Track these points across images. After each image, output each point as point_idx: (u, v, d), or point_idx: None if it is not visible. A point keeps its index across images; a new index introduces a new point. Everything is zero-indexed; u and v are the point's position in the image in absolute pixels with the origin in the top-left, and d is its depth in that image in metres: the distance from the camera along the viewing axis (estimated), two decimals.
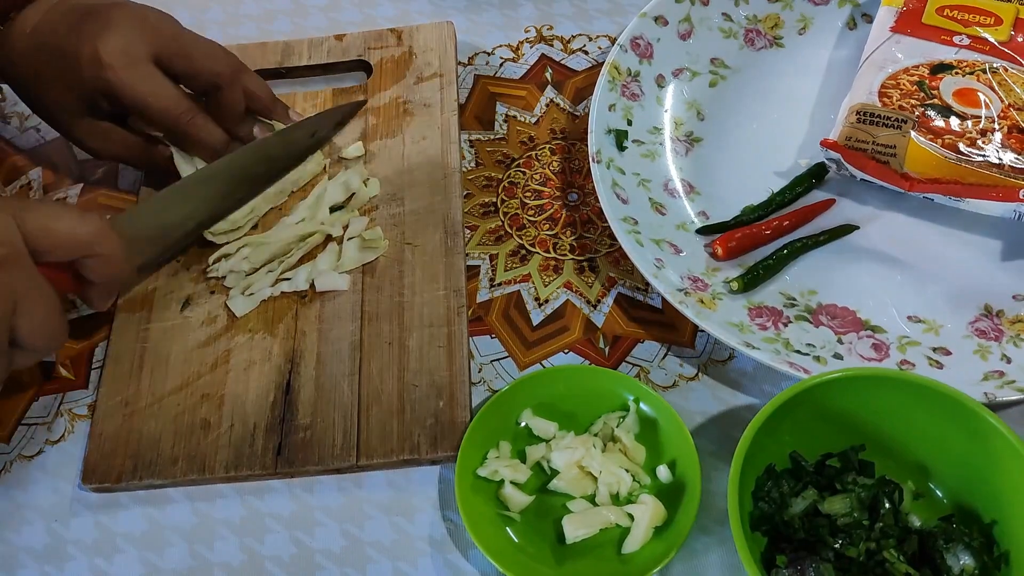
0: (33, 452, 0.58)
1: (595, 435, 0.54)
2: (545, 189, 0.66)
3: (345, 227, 0.63)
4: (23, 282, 0.47)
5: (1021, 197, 0.56)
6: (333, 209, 0.65)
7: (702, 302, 0.57)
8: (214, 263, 0.62)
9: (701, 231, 0.62)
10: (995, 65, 0.62)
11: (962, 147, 0.58)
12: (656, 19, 0.69)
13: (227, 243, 0.63)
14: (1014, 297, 0.58)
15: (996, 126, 0.59)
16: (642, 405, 0.54)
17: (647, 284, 0.60)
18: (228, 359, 0.59)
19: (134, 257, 0.58)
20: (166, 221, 0.60)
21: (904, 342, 0.56)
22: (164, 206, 0.60)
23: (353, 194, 0.65)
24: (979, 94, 0.61)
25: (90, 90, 0.59)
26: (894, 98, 0.61)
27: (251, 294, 0.61)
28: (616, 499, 0.52)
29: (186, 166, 0.63)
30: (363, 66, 0.73)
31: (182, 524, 0.55)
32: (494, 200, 0.66)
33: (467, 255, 0.63)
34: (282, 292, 0.61)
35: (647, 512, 0.50)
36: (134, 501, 0.56)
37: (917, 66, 0.63)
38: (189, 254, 0.64)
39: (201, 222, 0.62)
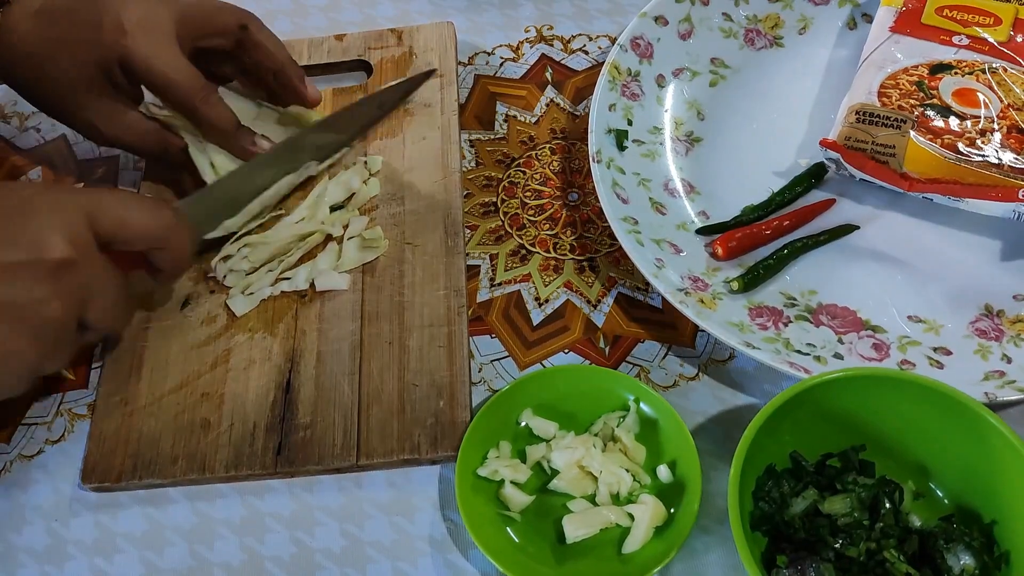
0: (33, 452, 0.58)
1: (595, 435, 0.54)
2: (545, 189, 0.66)
3: (345, 227, 0.63)
4: (93, 279, 0.49)
5: (1020, 197, 0.56)
6: (333, 209, 0.65)
7: (702, 302, 0.57)
8: (215, 265, 0.62)
9: (701, 231, 0.62)
10: (994, 65, 0.62)
11: (961, 147, 0.59)
12: (656, 19, 0.69)
13: (228, 242, 0.63)
14: (1014, 297, 0.58)
15: (995, 126, 0.59)
16: (642, 405, 0.54)
17: (647, 284, 0.60)
18: (228, 358, 0.59)
19: (200, 239, 0.59)
20: (235, 201, 0.61)
21: (904, 342, 0.56)
22: (230, 189, 0.61)
23: (353, 194, 0.65)
24: (978, 94, 0.61)
25: (108, 60, 0.57)
26: (893, 98, 0.61)
27: (251, 293, 0.61)
28: (616, 499, 0.52)
29: (201, 156, 0.63)
30: (363, 66, 0.73)
31: (182, 524, 0.55)
32: (494, 200, 0.66)
33: (467, 255, 0.63)
34: (282, 291, 0.61)
35: (647, 512, 0.50)
36: (134, 501, 0.56)
37: (916, 66, 0.63)
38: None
39: (262, 198, 0.63)
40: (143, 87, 0.61)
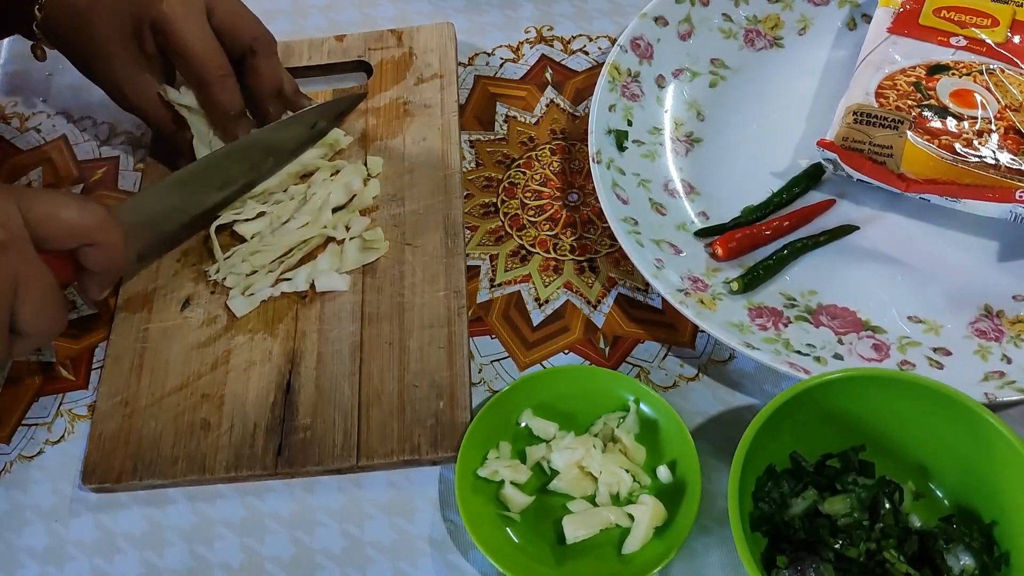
0: (33, 452, 0.58)
1: (595, 435, 0.54)
2: (545, 189, 0.66)
3: (347, 228, 0.63)
4: (23, 266, 0.47)
5: (1017, 198, 0.56)
6: (334, 210, 0.65)
7: (702, 302, 0.57)
8: (215, 268, 0.62)
9: (700, 234, 0.62)
10: (992, 66, 0.62)
11: (959, 148, 0.59)
12: (656, 19, 0.69)
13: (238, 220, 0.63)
14: (1014, 297, 0.58)
15: (992, 127, 0.59)
16: (642, 405, 0.55)
17: (647, 284, 0.60)
18: (228, 359, 0.59)
19: (133, 246, 0.58)
20: (165, 210, 0.61)
21: (904, 342, 0.56)
22: (164, 195, 0.61)
23: (355, 195, 0.65)
24: (976, 95, 0.61)
25: (141, 21, 0.59)
26: (891, 99, 0.61)
27: (251, 294, 0.61)
28: (616, 499, 0.52)
29: (204, 149, 0.64)
30: (363, 67, 0.73)
31: (182, 524, 0.55)
32: (494, 200, 0.66)
33: (467, 255, 0.63)
34: (282, 292, 0.61)
35: (647, 512, 0.50)
36: (134, 501, 0.56)
37: (914, 67, 0.63)
38: (189, 254, 0.64)
39: (201, 212, 0.63)
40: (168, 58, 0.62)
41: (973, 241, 0.60)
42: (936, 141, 0.59)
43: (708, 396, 0.57)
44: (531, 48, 0.74)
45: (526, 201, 0.66)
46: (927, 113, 0.60)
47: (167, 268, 0.63)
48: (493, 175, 0.67)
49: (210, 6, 0.61)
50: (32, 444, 0.59)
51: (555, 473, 0.53)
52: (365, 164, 0.66)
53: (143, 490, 0.56)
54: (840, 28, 0.71)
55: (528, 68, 0.73)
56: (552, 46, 0.74)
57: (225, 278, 0.62)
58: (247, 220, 0.64)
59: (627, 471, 0.52)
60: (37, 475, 0.57)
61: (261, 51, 0.63)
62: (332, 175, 0.66)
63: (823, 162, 0.63)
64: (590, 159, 0.62)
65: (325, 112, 0.67)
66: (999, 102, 0.60)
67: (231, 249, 0.63)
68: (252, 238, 0.63)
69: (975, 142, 0.59)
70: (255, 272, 0.62)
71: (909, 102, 0.61)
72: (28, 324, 0.48)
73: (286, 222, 0.63)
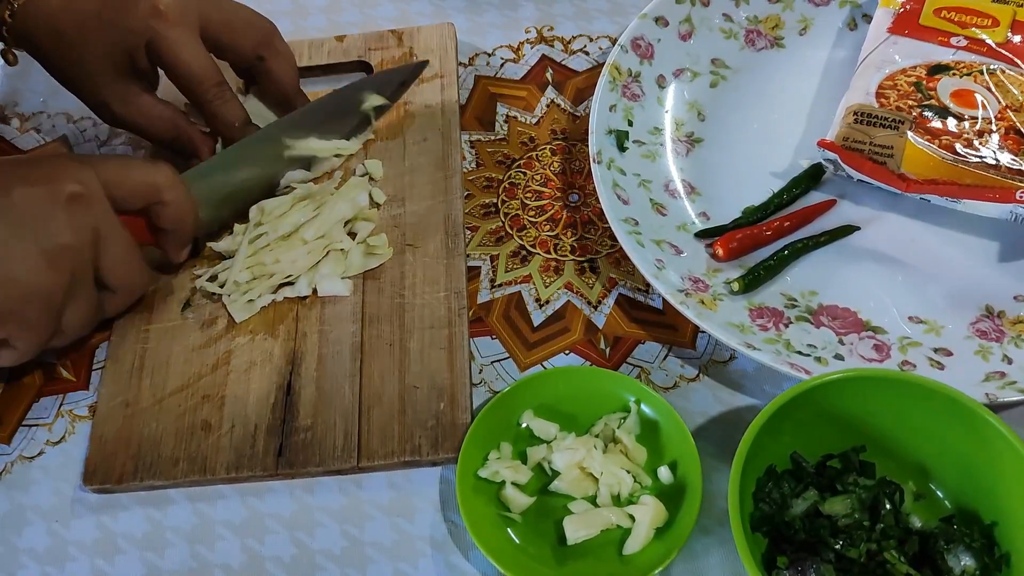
0: (34, 453, 0.58)
1: (596, 436, 0.54)
2: (546, 190, 0.66)
3: (353, 236, 0.63)
4: (102, 220, 0.52)
5: (1018, 198, 0.56)
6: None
7: (703, 303, 0.57)
8: (209, 279, 0.62)
9: (701, 234, 0.62)
10: (992, 67, 0.62)
11: (959, 148, 0.59)
12: (657, 20, 0.69)
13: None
14: (1015, 298, 0.58)
15: (993, 127, 0.59)
16: (643, 406, 0.55)
17: (648, 285, 0.60)
18: (229, 360, 0.59)
19: (203, 207, 0.60)
20: (233, 174, 0.62)
21: (905, 343, 0.56)
22: (232, 159, 0.62)
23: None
24: (976, 95, 0.61)
25: (135, 40, 0.59)
26: (891, 99, 0.61)
27: (251, 300, 0.61)
28: (617, 500, 0.52)
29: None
30: (364, 67, 0.73)
31: (183, 525, 0.55)
32: (495, 201, 0.66)
33: (468, 256, 0.63)
34: (284, 297, 0.61)
35: (648, 513, 0.51)
36: (135, 502, 0.56)
37: (914, 67, 0.63)
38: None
39: (270, 176, 0.64)
40: (161, 74, 0.62)
41: (974, 241, 0.60)
42: (936, 141, 0.59)
43: (709, 397, 0.57)
44: (531, 48, 0.74)
45: (526, 201, 0.66)
46: (927, 113, 0.60)
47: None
48: (493, 175, 0.67)
49: (204, 22, 0.60)
50: (33, 445, 0.59)
51: (556, 474, 0.53)
52: (365, 170, 0.66)
53: (144, 491, 0.56)
54: (841, 28, 0.71)
55: (528, 68, 0.73)
56: (552, 46, 0.74)
57: (223, 285, 0.61)
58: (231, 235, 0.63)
59: (628, 472, 0.52)
60: (38, 476, 0.57)
61: (269, 55, 0.64)
62: (336, 187, 0.65)
63: (823, 162, 0.63)
64: (591, 159, 0.62)
65: (389, 79, 0.68)
66: (999, 102, 0.60)
67: (222, 263, 0.62)
68: (250, 244, 0.62)
69: (976, 142, 0.59)
70: (255, 279, 0.61)
71: (909, 102, 0.61)
72: (112, 276, 0.53)
73: (289, 235, 0.62)
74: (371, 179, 0.66)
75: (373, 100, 0.67)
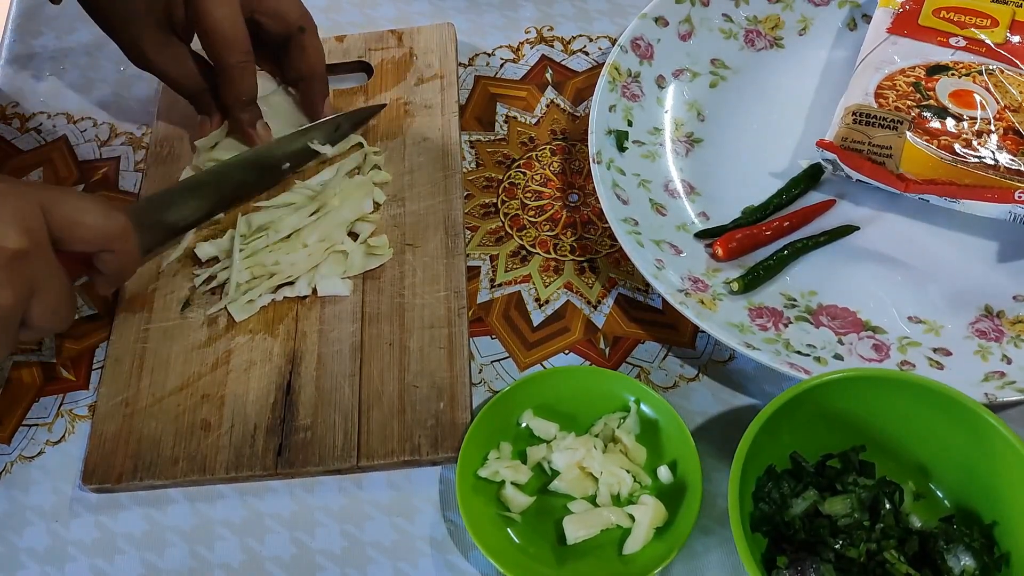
0: (34, 453, 0.58)
1: (596, 436, 0.54)
2: (545, 190, 0.66)
3: (353, 236, 0.63)
4: (42, 271, 0.48)
5: (1016, 198, 0.56)
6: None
7: (702, 303, 0.57)
8: (207, 278, 0.62)
9: (700, 234, 0.62)
10: (991, 67, 0.62)
11: (958, 148, 0.59)
12: (656, 20, 0.69)
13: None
14: (1014, 298, 0.58)
15: (992, 128, 0.59)
16: (643, 406, 0.55)
17: (647, 285, 0.60)
18: (228, 360, 0.59)
19: (143, 245, 0.59)
20: (179, 211, 0.63)
21: (905, 343, 0.56)
22: (179, 197, 0.62)
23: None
24: (975, 95, 0.61)
25: None
26: (890, 99, 0.61)
27: (251, 300, 0.61)
28: (617, 500, 0.52)
29: (285, 128, 0.66)
30: (364, 67, 0.73)
31: (182, 525, 0.55)
32: (494, 201, 0.66)
33: (468, 256, 0.63)
34: (284, 297, 0.61)
35: (648, 513, 0.51)
36: (134, 502, 0.56)
37: (913, 67, 0.63)
38: (191, 255, 0.64)
39: (210, 211, 0.65)
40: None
41: (973, 241, 0.60)
42: (935, 141, 0.59)
43: (708, 396, 0.57)
44: (531, 48, 0.74)
45: (526, 201, 0.66)
46: (926, 113, 0.60)
47: (168, 268, 0.63)
48: (493, 175, 0.67)
49: None
50: (32, 444, 0.59)
51: (556, 473, 0.53)
52: (370, 174, 0.66)
53: (143, 490, 0.56)
54: (840, 28, 0.71)
55: (528, 68, 0.73)
56: (552, 46, 0.74)
57: (223, 284, 0.61)
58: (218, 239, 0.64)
59: (628, 471, 0.52)
60: (37, 475, 0.57)
61: (309, 27, 0.65)
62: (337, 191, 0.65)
63: (822, 162, 0.63)
64: (590, 159, 0.62)
65: (349, 118, 0.68)
66: (998, 102, 0.60)
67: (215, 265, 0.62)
68: (248, 245, 0.62)
69: (974, 142, 0.59)
70: (255, 279, 0.61)
71: (908, 102, 0.61)
72: (38, 321, 0.49)
73: (288, 236, 0.62)
74: (373, 171, 0.66)
75: (323, 149, 0.67)
